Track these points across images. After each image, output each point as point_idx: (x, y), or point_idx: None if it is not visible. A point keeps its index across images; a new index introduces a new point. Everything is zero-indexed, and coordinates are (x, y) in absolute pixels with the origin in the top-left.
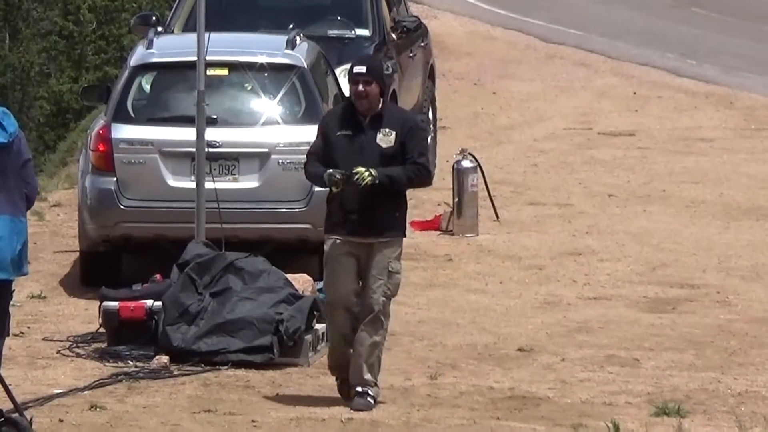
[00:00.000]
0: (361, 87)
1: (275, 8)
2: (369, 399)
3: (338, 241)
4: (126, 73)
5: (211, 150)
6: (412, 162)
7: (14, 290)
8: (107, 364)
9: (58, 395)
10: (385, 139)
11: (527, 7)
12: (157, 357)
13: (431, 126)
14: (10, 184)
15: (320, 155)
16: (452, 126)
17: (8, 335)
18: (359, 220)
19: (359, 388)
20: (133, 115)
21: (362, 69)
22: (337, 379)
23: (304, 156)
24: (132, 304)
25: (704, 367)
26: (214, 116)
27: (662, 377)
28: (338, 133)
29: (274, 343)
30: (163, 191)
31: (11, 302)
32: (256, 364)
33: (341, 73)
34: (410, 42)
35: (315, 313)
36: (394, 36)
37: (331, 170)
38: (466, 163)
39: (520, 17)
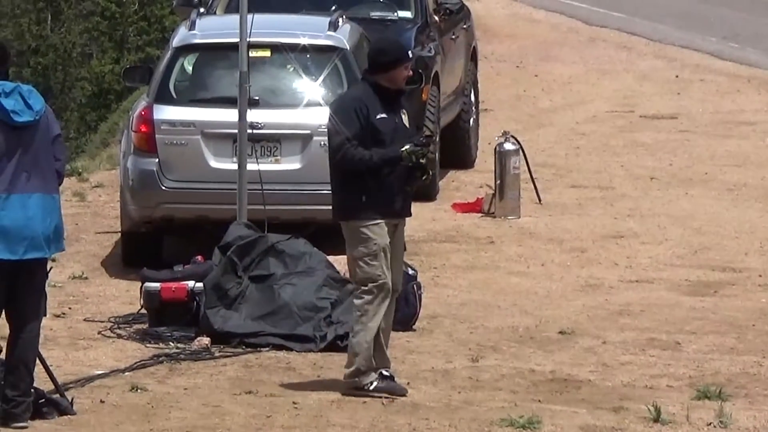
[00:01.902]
0: (407, 72)
1: None
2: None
3: (382, 224)
4: (168, 54)
5: (253, 131)
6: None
7: (51, 269)
8: (148, 345)
9: (99, 376)
10: (406, 119)
11: None
12: (198, 338)
13: (473, 108)
14: (42, 161)
15: (361, 140)
16: (494, 108)
17: (45, 315)
18: (402, 200)
19: (389, 371)
20: (175, 96)
21: (410, 55)
22: (383, 375)
23: None
24: (173, 285)
25: (746, 351)
26: (256, 97)
27: (704, 361)
28: (378, 117)
29: (317, 336)
30: (204, 172)
31: (48, 282)
32: None
33: None
34: (453, 24)
35: None
36: (436, 18)
37: (407, 146)
38: (508, 146)
39: None
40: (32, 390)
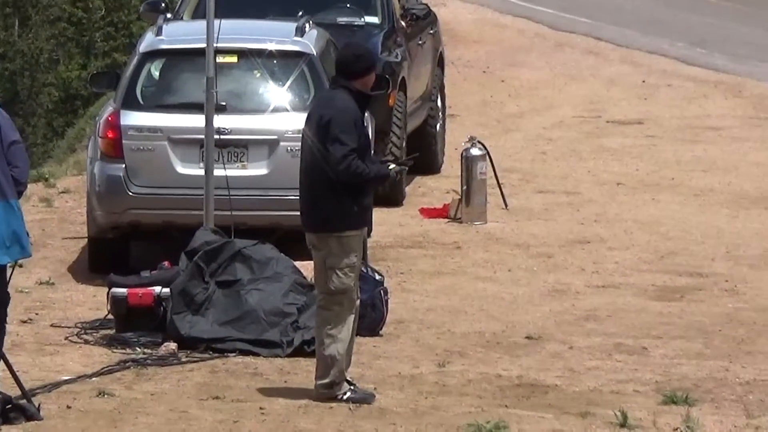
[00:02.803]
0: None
1: None
2: None
3: (359, 234)
4: (135, 60)
5: (220, 137)
6: None
7: (10, 274)
8: (115, 350)
9: (66, 381)
10: None
11: None
12: (165, 344)
13: (440, 113)
14: None
15: (359, 151)
16: (461, 114)
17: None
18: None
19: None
20: (142, 101)
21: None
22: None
23: None
24: (140, 290)
25: (712, 356)
26: (223, 103)
27: (670, 366)
28: (363, 126)
29: (284, 342)
30: (171, 178)
31: (15, 287)
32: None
33: None
34: (419, 29)
35: None
36: (403, 23)
37: (391, 165)
38: (475, 151)
39: (530, 5)
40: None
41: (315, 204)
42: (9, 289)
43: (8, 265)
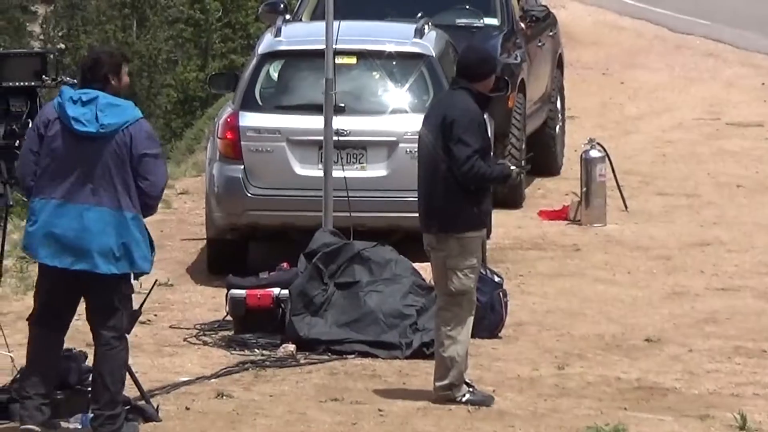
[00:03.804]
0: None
1: None
2: None
3: (479, 236)
4: (254, 61)
5: (338, 138)
6: None
7: (145, 298)
8: (234, 352)
9: (184, 383)
10: None
11: None
12: (284, 345)
13: (559, 115)
14: (113, 176)
15: (482, 153)
16: (580, 116)
17: (128, 333)
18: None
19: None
20: (260, 103)
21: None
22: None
23: None
24: (259, 292)
25: None
26: (342, 104)
27: None
28: (485, 127)
29: (402, 344)
30: (290, 179)
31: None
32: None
33: None
34: (539, 31)
35: None
36: (522, 25)
37: (512, 167)
38: (595, 153)
39: (649, 7)
40: (116, 404)
41: (434, 205)
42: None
43: (138, 283)
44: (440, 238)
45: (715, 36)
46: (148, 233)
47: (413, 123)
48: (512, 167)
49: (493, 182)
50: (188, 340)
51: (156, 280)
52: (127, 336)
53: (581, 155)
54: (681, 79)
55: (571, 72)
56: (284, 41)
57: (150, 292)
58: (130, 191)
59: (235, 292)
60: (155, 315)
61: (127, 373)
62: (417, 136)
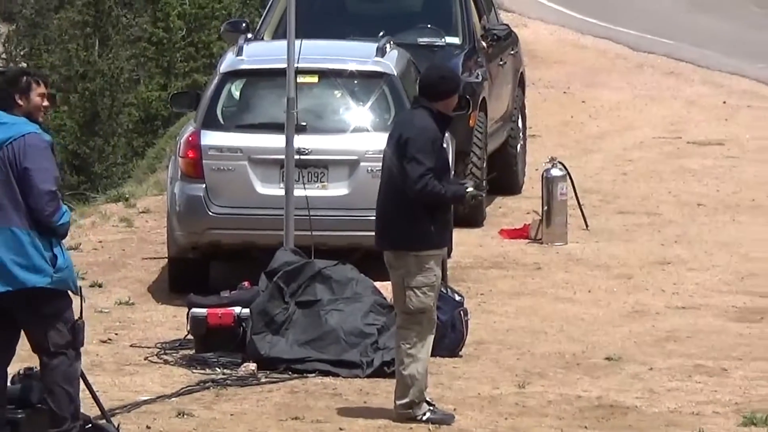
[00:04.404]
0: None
1: (365, 15)
2: None
3: (439, 255)
4: (216, 80)
5: (300, 157)
6: None
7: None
8: (195, 371)
9: (145, 402)
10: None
11: (617, 16)
12: (245, 364)
13: (520, 134)
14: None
15: (437, 172)
16: (541, 134)
17: (64, 349)
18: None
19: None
20: (222, 121)
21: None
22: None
23: None
24: (220, 311)
25: None
26: (304, 123)
27: (750, 387)
28: (442, 147)
29: (364, 362)
30: (251, 198)
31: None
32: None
33: None
34: (500, 50)
35: None
36: (484, 44)
37: (469, 188)
38: (556, 172)
39: (610, 26)
40: (59, 422)
41: (391, 222)
42: (88, 310)
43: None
44: (398, 256)
45: (677, 55)
46: (60, 247)
47: (375, 142)
48: (468, 188)
49: (447, 202)
50: (149, 358)
51: (80, 287)
52: (79, 349)
53: (542, 174)
54: (642, 98)
55: (533, 91)
56: (246, 60)
57: (81, 299)
58: (18, 207)
59: (196, 310)
60: (116, 334)
61: (88, 391)
62: (378, 155)
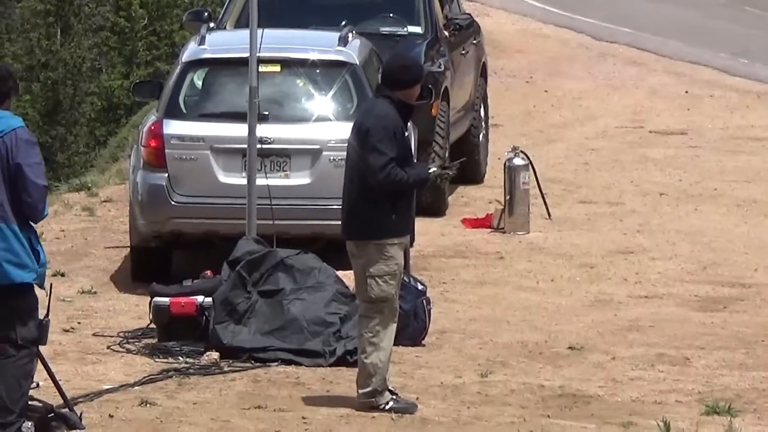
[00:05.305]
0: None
1: (327, 5)
2: None
3: (401, 244)
4: (178, 69)
5: (262, 146)
6: None
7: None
8: (157, 359)
9: (108, 391)
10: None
11: (579, 5)
12: (208, 353)
13: (483, 123)
14: None
15: (399, 160)
16: (504, 124)
17: (26, 345)
18: (413, 219)
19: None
20: (184, 111)
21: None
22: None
23: None
24: (182, 300)
25: (755, 366)
26: (266, 112)
27: (713, 376)
28: (405, 135)
29: (326, 351)
30: (214, 187)
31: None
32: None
33: None
34: (462, 39)
35: None
36: (446, 33)
37: (433, 168)
38: (518, 161)
39: (573, 15)
40: (6, 414)
41: (353, 211)
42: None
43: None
44: (359, 245)
45: (639, 44)
46: (39, 243)
47: (337, 131)
48: (432, 170)
49: (412, 187)
50: (112, 347)
51: (51, 284)
52: (40, 346)
53: (505, 163)
54: (604, 88)
55: (495, 80)
56: (208, 49)
57: (49, 297)
58: (5, 202)
59: (158, 299)
60: (78, 323)
61: (51, 380)
62: (340, 144)
